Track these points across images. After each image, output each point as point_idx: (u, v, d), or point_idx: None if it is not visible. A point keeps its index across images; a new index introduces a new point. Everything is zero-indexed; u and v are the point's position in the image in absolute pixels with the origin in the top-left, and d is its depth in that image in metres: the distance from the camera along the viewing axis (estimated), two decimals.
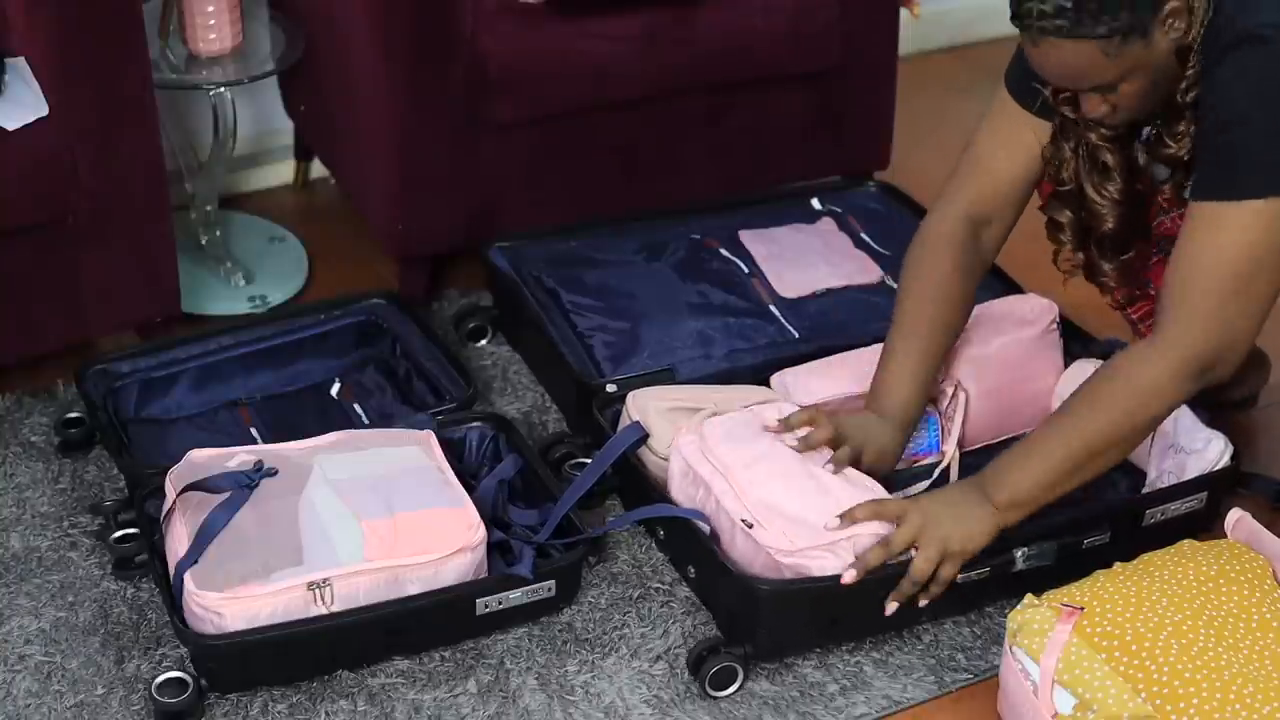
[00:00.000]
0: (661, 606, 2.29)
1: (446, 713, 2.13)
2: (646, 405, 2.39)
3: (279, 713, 2.11)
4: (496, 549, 2.27)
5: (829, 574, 2.12)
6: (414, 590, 2.15)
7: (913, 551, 2.13)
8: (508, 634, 2.23)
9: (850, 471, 2.25)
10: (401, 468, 2.26)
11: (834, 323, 2.66)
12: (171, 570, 2.16)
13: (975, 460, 2.47)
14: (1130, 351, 2.13)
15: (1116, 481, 2.46)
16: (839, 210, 2.99)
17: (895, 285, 2.72)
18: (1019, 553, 2.20)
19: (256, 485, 2.20)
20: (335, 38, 2.81)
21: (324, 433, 2.35)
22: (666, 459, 2.32)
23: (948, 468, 2.45)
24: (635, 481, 2.37)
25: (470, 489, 2.29)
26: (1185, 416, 2.38)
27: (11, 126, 2.40)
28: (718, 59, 2.86)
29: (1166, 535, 2.26)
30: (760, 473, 2.22)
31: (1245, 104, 2.03)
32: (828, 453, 2.26)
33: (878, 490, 2.22)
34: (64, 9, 2.40)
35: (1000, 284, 2.76)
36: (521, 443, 2.40)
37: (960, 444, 2.48)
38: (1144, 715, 1.91)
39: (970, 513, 2.14)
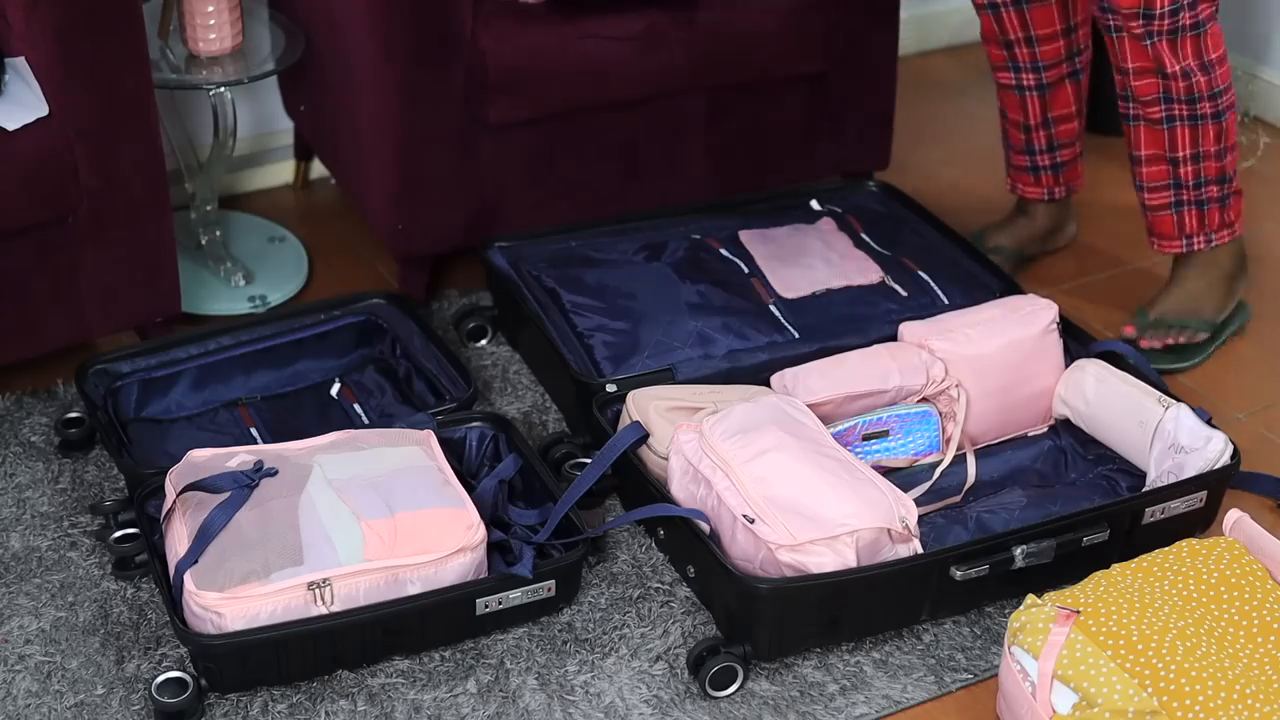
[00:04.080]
0: (661, 606, 2.29)
1: (446, 713, 2.13)
2: (646, 405, 2.39)
3: (279, 713, 2.11)
4: (496, 549, 2.27)
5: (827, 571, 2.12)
6: (414, 590, 2.15)
7: (913, 544, 2.13)
8: (508, 634, 2.23)
9: (855, 465, 2.25)
10: (401, 468, 2.25)
11: (834, 323, 2.66)
12: (171, 570, 2.16)
13: (976, 460, 2.47)
14: None
15: (1116, 481, 2.46)
16: (839, 210, 2.99)
17: (895, 285, 2.74)
18: (1018, 550, 2.20)
19: (256, 485, 2.20)
20: (335, 38, 2.81)
21: (324, 433, 2.35)
22: (666, 458, 2.32)
23: (949, 468, 2.45)
24: (635, 481, 2.37)
25: (470, 489, 2.29)
26: (1186, 416, 2.38)
27: (11, 126, 2.40)
28: (718, 59, 2.86)
29: (1166, 534, 2.26)
30: (761, 467, 2.22)
31: None
32: (830, 445, 2.27)
33: (881, 484, 2.22)
34: (64, 9, 2.40)
35: (1000, 284, 2.76)
36: (521, 443, 2.40)
37: (960, 444, 2.48)
38: (1150, 710, 1.91)
39: None
